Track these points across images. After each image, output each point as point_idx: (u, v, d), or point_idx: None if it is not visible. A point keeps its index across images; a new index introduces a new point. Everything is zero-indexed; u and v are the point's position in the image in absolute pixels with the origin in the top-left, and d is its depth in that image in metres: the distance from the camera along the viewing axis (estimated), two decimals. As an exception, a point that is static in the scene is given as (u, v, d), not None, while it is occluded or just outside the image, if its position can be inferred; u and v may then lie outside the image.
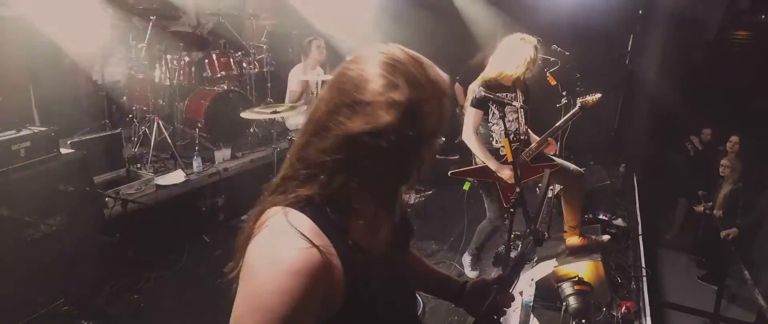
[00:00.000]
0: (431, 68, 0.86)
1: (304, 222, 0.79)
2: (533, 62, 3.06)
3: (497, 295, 1.11)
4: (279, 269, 0.73)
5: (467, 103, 3.16)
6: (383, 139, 0.79)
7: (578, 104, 3.19)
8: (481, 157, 3.13)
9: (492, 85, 3.06)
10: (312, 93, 4.58)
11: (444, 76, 0.88)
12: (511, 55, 3.05)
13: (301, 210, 0.81)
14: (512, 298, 1.14)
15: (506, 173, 3.08)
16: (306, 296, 0.73)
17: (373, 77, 0.81)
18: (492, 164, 3.11)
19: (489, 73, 3.13)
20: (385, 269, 0.90)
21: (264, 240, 0.79)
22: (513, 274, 1.16)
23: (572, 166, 3.35)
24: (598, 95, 3.20)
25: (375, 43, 0.89)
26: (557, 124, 3.22)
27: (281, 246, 0.76)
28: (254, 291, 0.74)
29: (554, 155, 3.40)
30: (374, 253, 0.87)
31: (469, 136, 3.13)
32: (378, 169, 0.81)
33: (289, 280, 0.72)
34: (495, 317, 1.11)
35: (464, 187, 3.37)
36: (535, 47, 3.06)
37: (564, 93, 3.83)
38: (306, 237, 0.76)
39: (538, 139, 3.24)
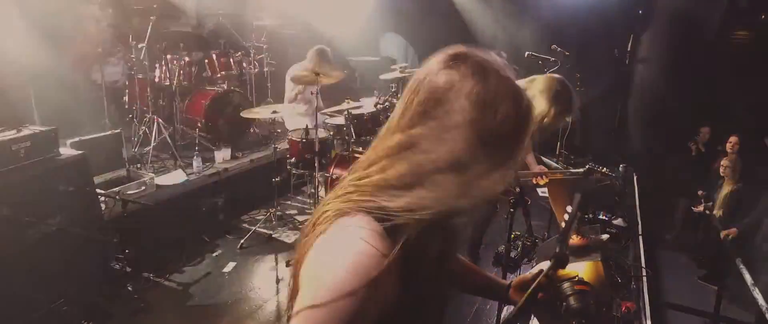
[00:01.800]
0: (496, 63, 0.84)
1: (372, 226, 0.78)
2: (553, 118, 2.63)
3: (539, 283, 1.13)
4: (347, 271, 0.73)
5: None
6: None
7: (586, 167, 3.00)
8: None
9: None
10: (311, 93, 4.57)
11: (511, 73, 0.85)
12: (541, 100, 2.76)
13: (369, 213, 0.80)
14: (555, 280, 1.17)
15: None
16: (369, 301, 0.74)
17: (438, 76, 0.81)
18: None
19: None
20: (436, 276, 0.90)
21: (333, 242, 0.79)
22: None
23: (552, 164, 3.34)
24: (610, 177, 3.03)
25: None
26: (554, 169, 3.14)
27: (350, 249, 0.75)
28: (319, 291, 0.74)
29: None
30: (431, 260, 0.87)
31: None
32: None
33: (355, 284, 0.73)
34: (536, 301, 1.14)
35: None
36: (566, 101, 2.63)
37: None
38: (375, 242, 0.76)
39: (531, 170, 3.15)
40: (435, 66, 0.84)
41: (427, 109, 0.81)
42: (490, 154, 0.79)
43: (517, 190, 2.91)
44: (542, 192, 5.18)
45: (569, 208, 1.20)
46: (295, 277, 0.84)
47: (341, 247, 0.77)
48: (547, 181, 3.29)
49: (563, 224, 1.28)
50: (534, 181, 3.18)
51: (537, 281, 1.13)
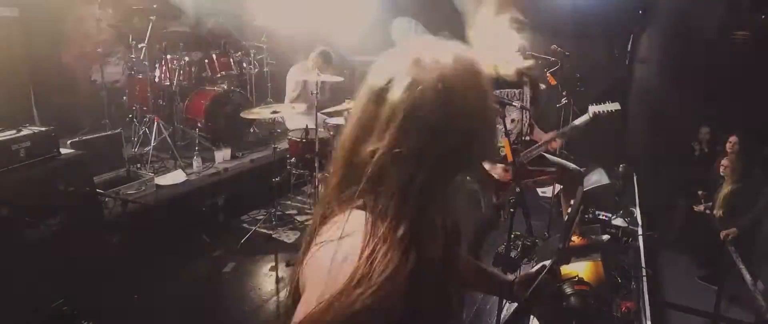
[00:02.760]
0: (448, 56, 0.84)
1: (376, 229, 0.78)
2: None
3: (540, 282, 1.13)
4: (358, 268, 0.73)
5: None
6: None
7: (591, 114, 3.07)
8: None
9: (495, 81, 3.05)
10: (311, 93, 4.57)
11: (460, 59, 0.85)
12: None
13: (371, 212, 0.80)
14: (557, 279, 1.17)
15: (498, 171, 3.09)
16: (378, 303, 0.73)
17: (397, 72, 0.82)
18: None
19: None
20: (443, 275, 0.89)
21: (339, 243, 0.78)
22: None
23: (571, 165, 3.35)
24: (616, 106, 3.04)
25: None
26: (562, 130, 3.18)
27: (356, 251, 0.75)
28: (326, 294, 0.73)
29: (553, 154, 3.39)
30: (436, 259, 0.86)
31: None
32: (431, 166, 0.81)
33: (368, 279, 0.72)
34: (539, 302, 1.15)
35: None
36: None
37: (564, 93, 3.84)
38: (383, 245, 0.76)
39: (539, 141, 3.22)
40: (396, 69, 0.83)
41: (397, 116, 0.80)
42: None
43: (517, 190, 2.91)
44: (542, 192, 5.18)
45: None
46: (297, 278, 0.84)
47: (351, 249, 0.76)
48: (557, 177, 3.32)
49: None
50: (551, 146, 3.17)
51: (540, 277, 1.13)
